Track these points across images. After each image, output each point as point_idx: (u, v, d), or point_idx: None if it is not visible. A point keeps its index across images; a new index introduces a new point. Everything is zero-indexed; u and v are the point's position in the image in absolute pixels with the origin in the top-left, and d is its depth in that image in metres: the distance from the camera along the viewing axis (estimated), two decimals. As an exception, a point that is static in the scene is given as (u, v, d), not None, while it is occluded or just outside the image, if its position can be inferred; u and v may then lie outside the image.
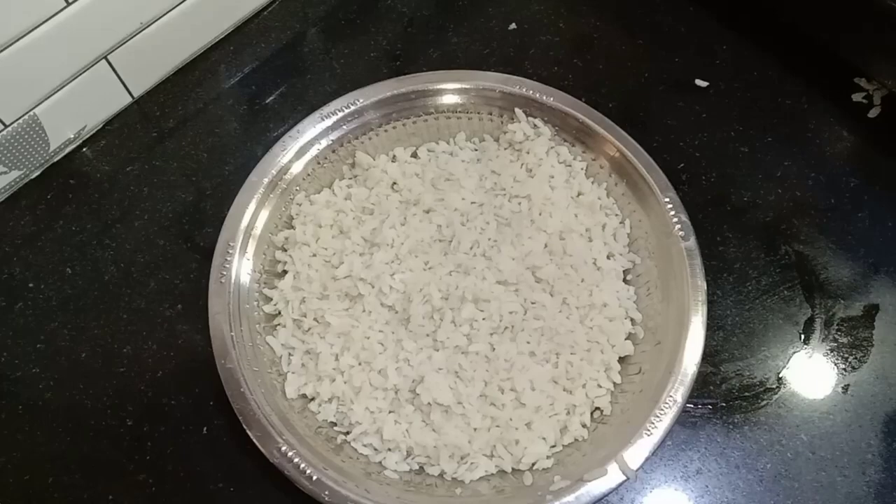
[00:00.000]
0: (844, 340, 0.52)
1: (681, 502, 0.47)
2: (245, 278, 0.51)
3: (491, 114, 0.56)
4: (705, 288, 0.48)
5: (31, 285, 0.54)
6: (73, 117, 0.57)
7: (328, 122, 0.55)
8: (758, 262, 0.54)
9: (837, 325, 0.52)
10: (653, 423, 0.44)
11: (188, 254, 0.50)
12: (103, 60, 0.56)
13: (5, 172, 0.55)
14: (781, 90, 0.61)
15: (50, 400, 0.50)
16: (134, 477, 0.47)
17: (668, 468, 0.48)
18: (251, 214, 0.52)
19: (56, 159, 0.58)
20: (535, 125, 0.56)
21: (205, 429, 0.49)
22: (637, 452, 0.43)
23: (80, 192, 0.57)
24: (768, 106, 0.61)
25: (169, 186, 0.57)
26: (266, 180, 0.53)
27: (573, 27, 0.65)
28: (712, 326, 0.51)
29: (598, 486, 0.43)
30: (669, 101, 0.61)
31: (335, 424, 0.48)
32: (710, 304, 0.51)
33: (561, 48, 0.63)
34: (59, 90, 0.54)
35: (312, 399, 0.49)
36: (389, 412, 0.47)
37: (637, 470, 0.43)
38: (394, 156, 0.57)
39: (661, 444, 0.44)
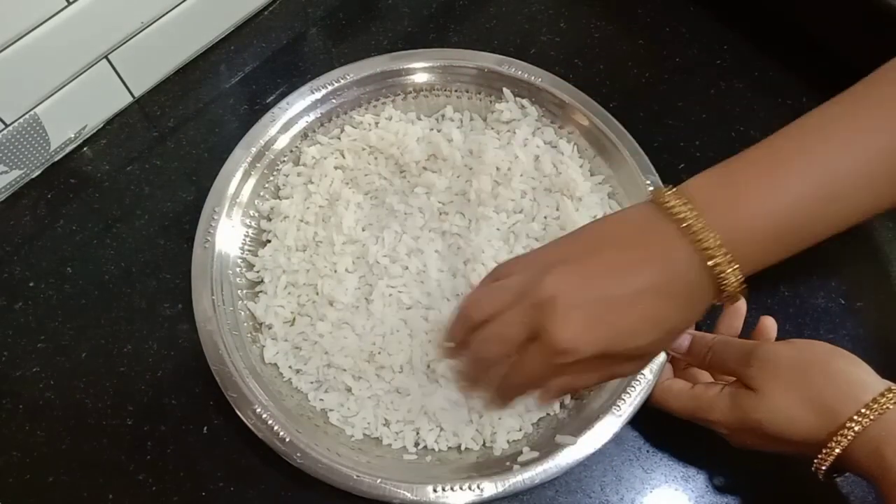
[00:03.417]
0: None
1: (681, 502, 0.47)
2: (229, 245, 0.52)
3: (479, 93, 0.57)
4: None
5: (31, 285, 0.54)
6: (73, 117, 0.57)
7: (317, 96, 0.55)
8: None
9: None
10: (623, 400, 0.45)
11: (189, 253, 0.50)
12: (104, 60, 0.56)
13: (6, 172, 0.55)
14: (782, 90, 0.61)
15: (50, 399, 0.50)
16: (134, 476, 0.47)
17: (668, 468, 0.48)
18: (237, 183, 0.53)
19: (57, 159, 0.58)
20: (522, 105, 0.56)
21: (205, 428, 0.49)
22: (606, 427, 0.44)
23: (80, 192, 0.57)
24: (769, 106, 0.61)
25: (169, 186, 0.57)
26: (254, 150, 0.53)
27: (573, 27, 0.65)
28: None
29: (565, 458, 0.44)
30: (669, 102, 0.61)
31: (311, 390, 0.49)
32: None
33: (561, 48, 0.63)
34: (59, 90, 0.54)
35: (289, 366, 0.50)
36: (365, 381, 0.48)
37: (606, 444, 0.44)
38: None
39: (632, 419, 0.45)
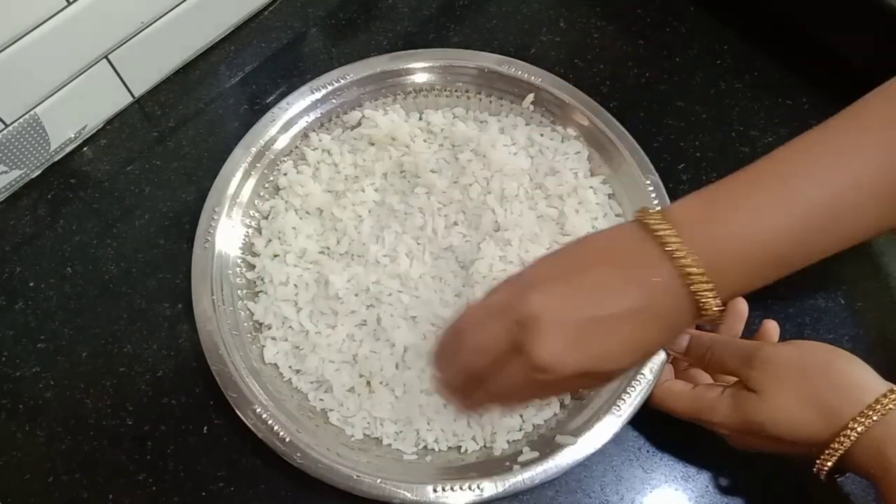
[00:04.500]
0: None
1: (681, 502, 0.47)
2: (229, 244, 0.52)
3: (479, 93, 0.57)
4: None
5: (31, 285, 0.54)
6: (73, 117, 0.57)
7: (317, 96, 0.55)
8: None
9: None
10: (623, 400, 0.45)
11: (189, 253, 0.50)
12: (104, 60, 0.56)
13: (6, 172, 0.55)
14: (782, 90, 0.61)
15: (50, 399, 0.50)
16: (134, 477, 0.47)
17: (668, 468, 0.48)
18: (237, 183, 0.53)
19: (56, 159, 0.58)
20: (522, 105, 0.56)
21: (205, 428, 0.49)
22: (606, 427, 0.44)
23: (80, 192, 0.57)
24: (769, 106, 0.61)
25: (169, 186, 0.57)
26: (254, 150, 0.53)
27: (573, 27, 0.65)
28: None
29: (565, 458, 0.44)
30: (670, 102, 0.61)
31: (311, 390, 0.49)
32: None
33: (561, 48, 0.63)
34: (59, 90, 0.54)
35: (289, 366, 0.50)
36: (367, 383, 0.48)
37: (606, 444, 0.44)
38: None
39: (632, 419, 0.45)
